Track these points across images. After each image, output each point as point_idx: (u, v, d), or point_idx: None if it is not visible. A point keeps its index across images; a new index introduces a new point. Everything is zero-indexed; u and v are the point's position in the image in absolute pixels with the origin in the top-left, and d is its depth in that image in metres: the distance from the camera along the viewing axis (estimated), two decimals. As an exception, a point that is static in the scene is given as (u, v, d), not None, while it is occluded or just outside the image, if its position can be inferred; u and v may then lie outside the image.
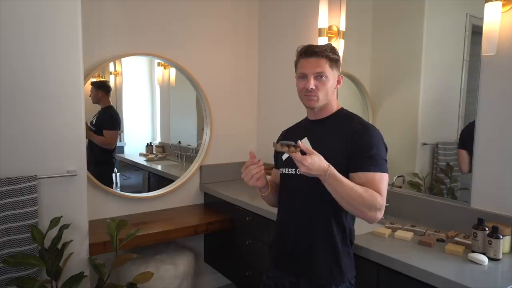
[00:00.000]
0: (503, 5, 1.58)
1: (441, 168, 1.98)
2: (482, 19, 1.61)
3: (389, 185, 2.07)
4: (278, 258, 1.54)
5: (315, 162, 1.24)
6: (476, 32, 1.71)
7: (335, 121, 1.47)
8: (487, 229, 1.52)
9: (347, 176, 1.33)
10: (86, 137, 2.00)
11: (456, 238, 1.64)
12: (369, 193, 1.29)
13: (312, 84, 1.40)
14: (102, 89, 2.56)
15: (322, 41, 2.36)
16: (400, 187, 2.07)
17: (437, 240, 1.67)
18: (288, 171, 1.49)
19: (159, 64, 2.81)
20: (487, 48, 1.60)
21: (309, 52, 1.42)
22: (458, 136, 1.89)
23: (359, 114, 2.32)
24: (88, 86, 2.43)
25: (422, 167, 2.04)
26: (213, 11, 2.81)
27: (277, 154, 1.58)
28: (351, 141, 1.38)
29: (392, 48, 2.20)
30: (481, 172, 1.72)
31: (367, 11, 2.32)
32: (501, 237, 1.48)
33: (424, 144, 2.02)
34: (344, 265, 1.42)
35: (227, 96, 2.95)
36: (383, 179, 1.34)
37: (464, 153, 1.86)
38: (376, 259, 1.55)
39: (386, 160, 1.38)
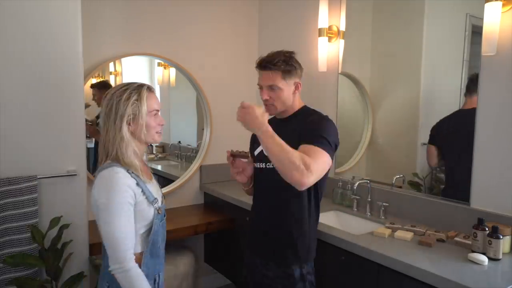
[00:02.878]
0: (503, 5, 1.58)
1: (441, 168, 1.98)
2: (482, 19, 1.61)
3: (389, 185, 2.08)
4: (253, 244, 1.67)
5: (250, 114, 1.33)
6: (476, 32, 1.70)
7: (296, 118, 1.59)
8: (487, 229, 1.52)
9: None
10: (88, 136, 2.00)
11: (456, 238, 1.64)
12: (298, 153, 1.34)
13: (265, 95, 1.54)
14: (105, 89, 2.55)
15: (322, 41, 2.36)
16: (400, 187, 2.07)
17: (437, 240, 1.67)
18: (259, 165, 1.62)
19: (159, 64, 2.80)
20: (487, 48, 1.60)
21: (262, 65, 1.53)
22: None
23: (359, 114, 2.34)
24: (88, 87, 2.43)
25: (422, 167, 2.04)
26: (213, 11, 2.81)
27: (252, 148, 1.71)
28: (303, 128, 1.50)
29: (392, 48, 2.20)
30: (481, 172, 1.72)
31: (367, 11, 2.32)
32: (501, 237, 1.48)
33: (424, 144, 2.02)
34: (306, 249, 1.56)
35: (227, 96, 2.94)
36: (322, 155, 1.39)
37: (433, 148, 1.96)
38: (376, 259, 1.55)
39: (332, 147, 1.45)
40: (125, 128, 1.24)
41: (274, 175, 1.43)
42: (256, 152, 1.65)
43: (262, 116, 1.35)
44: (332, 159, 1.45)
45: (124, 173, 1.23)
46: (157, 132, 1.33)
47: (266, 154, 1.41)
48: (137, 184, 1.25)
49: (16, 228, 1.78)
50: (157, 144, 2.98)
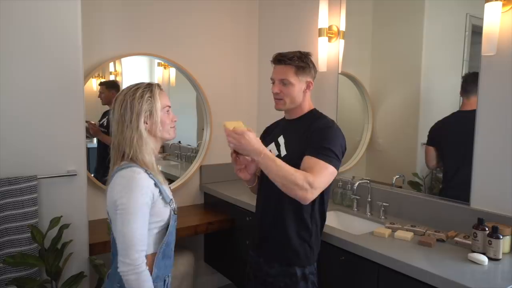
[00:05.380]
0: (503, 5, 1.58)
1: (441, 168, 1.98)
2: (482, 19, 1.61)
3: (389, 185, 2.08)
4: (256, 244, 1.67)
5: (245, 139, 1.37)
6: (476, 32, 1.70)
7: (304, 121, 1.58)
8: (487, 229, 1.52)
9: None
10: (89, 136, 2.00)
11: (456, 238, 1.64)
12: (300, 173, 1.38)
13: (276, 88, 1.57)
14: (115, 89, 2.56)
15: (322, 41, 2.36)
16: (400, 187, 2.07)
17: (437, 240, 1.67)
18: None
19: (159, 64, 2.80)
20: (487, 48, 1.60)
21: (276, 60, 1.58)
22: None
23: (359, 114, 2.34)
24: (88, 87, 2.43)
25: (422, 167, 2.04)
26: (213, 11, 2.81)
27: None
28: (310, 135, 1.50)
29: (392, 48, 2.20)
30: (481, 172, 1.72)
31: (367, 11, 2.32)
32: (501, 237, 1.48)
33: (424, 144, 2.02)
34: (306, 253, 1.55)
35: (227, 96, 2.95)
36: (326, 169, 1.42)
37: (432, 150, 1.96)
38: (376, 259, 1.55)
39: (338, 157, 1.47)
40: (142, 126, 1.24)
41: None
42: None
43: (256, 139, 1.40)
44: (337, 168, 1.47)
45: (144, 173, 1.23)
46: (171, 127, 1.35)
47: (269, 177, 1.42)
48: (155, 184, 1.25)
49: (16, 228, 1.78)
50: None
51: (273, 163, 1.37)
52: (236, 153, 1.56)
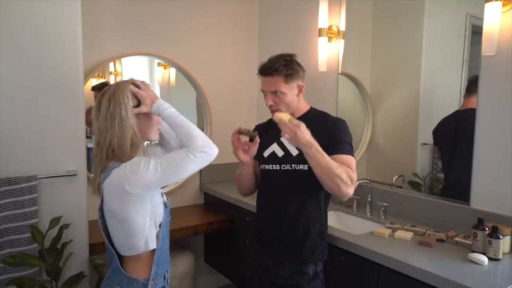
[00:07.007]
0: (503, 5, 1.58)
1: (441, 168, 1.98)
2: (482, 19, 1.61)
3: (389, 185, 2.09)
4: (264, 246, 1.63)
5: (300, 131, 1.39)
6: (476, 32, 1.70)
7: (307, 120, 1.57)
8: (487, 229, 1.52)
9: None
10: (89, 136, 2.00)
11: (456, 238, 1.64)
12: (343, 168, 1.44)
13: (269, 101, 1.56)
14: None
15: (322, 41, 2.36)
16: (400, 187, 2.07)
17: (437, 240, 1.67)
18: (272, 167, 1.59)
19: (159, 64, 2.80)
20: (487, 48, 1.60)
21: (263, 71, 1.54)
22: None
23: (359, 114, 2.34)
24: (88, 87, 2.42)
25: (422, 167, 2.04)
26: (213, 11, 2.81)
27: (260, 149, 1.65)
28: (327, 131, 1.54)
29: (392, 48, 2.20)
30: (481, 172, 1.72)
31: (367, 11, 2.32)
32: (501, 237, 1.48)
33: (424, 144, 2.02)
34: (323, 247, 1.58)
35: (227, 96, 2.95)
36: (354, 162, 1.52)
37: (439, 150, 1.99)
38: (376, 259, 1.55)
39: (352, 146, 1.55)
40: (131, 114, 1.21)
41: (291, 177, 1.47)
42: (266, 154, 1.62)
43: (309, 133, 1.40)
44: None
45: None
46: (157, 130, 1.33)
47: (315, 170, 1.43)
48: None
49: (16, 228, 1.78)
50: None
51: (322, 157, 1.40)
52: (240, 133, 1.54)
